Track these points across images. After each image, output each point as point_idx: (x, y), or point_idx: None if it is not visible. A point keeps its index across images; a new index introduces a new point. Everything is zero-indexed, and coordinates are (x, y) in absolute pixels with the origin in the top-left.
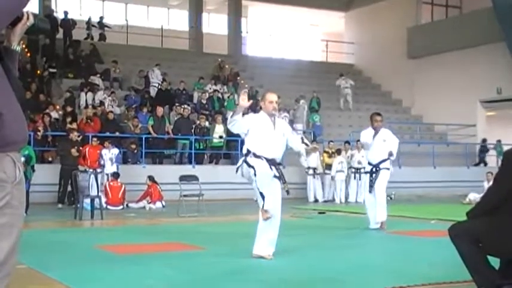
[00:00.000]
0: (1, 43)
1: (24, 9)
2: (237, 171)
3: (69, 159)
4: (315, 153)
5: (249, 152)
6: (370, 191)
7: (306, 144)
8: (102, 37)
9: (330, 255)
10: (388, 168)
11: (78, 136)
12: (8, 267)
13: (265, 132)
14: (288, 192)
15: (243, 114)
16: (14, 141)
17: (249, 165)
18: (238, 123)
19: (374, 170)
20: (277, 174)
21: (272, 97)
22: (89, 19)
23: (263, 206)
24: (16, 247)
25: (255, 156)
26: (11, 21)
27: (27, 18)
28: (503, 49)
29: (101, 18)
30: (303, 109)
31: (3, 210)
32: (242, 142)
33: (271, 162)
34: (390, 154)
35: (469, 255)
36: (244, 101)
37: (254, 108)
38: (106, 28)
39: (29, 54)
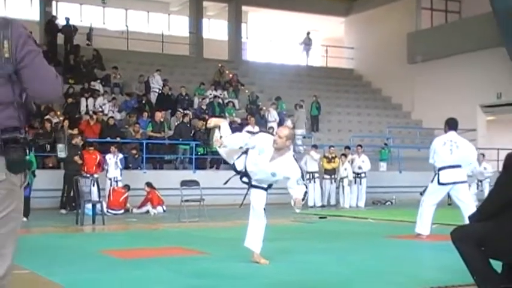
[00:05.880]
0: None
1: (27, 16)
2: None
3: (72, 165)
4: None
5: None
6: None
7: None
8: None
9: (333, 259)
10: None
11: (82, 141)
12: (12, 269)
13: (256, 158)
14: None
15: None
16: None
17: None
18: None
19: None
20: (246, 180)
21: (279, 131)
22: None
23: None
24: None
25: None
26: None
27: None
28: (502, 54)
29: (90, 29)
30: (303, 115)
31: (12, 215)
32: None
33: (246, 175)
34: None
35: (471, 259)
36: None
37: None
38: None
39: None
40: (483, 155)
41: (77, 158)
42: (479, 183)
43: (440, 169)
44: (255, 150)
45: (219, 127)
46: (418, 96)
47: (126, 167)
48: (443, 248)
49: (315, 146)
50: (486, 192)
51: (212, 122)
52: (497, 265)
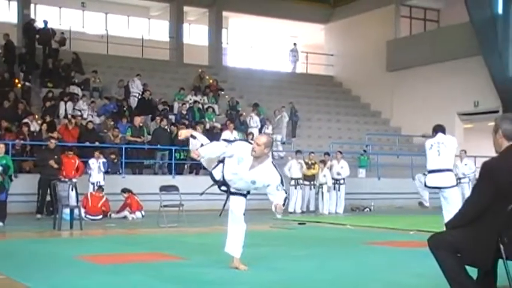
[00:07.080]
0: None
1: (5, 18)
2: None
3: (47, 169)
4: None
5: (220, 163)
6: None
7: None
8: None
9: (313, 265)
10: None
11: (56, 143)
12: None
13: (235, 167)
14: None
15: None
16: None
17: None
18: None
19: None
20: (224, 189)
21: (257, 139)
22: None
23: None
24: None
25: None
26: None
27: None
28: (480, 63)
29: (62, 33)
30: (283, 120)
31: None
32: None
33: (224, 184)
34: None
35: (448, 266)
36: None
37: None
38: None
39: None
40: (465, 151)
41: (51, 162)
42: (458, 180)
43: (429, 172)
44: (234, 159)
45: (192, 136)
46: (397, 103)
47: (105, 171)
48: (421, 255)
49: (299, 152)
50: (466, 194)
51: (182, 134)
52: (473, 272)
